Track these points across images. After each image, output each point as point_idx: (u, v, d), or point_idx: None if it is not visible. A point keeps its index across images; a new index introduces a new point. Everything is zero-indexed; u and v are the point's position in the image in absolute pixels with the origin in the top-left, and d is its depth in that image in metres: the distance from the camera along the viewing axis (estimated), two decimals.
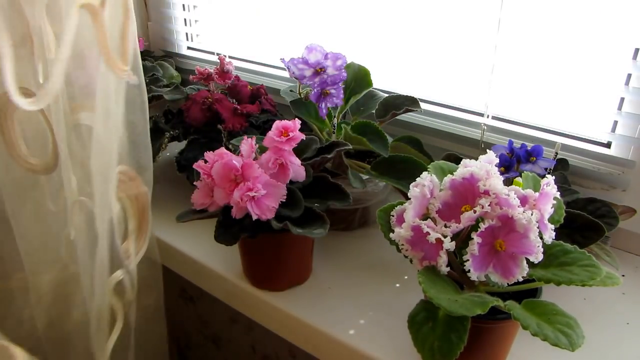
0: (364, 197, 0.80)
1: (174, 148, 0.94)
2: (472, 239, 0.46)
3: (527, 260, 0.46)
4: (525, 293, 0.52)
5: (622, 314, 0.67)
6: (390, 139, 0.77)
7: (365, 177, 0.75)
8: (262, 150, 0.66)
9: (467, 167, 0.49)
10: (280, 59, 0.77)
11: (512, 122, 0.84)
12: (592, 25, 0.73)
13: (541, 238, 0.46)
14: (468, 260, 0.46)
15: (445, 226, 0.47)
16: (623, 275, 0.73)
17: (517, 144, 0.68)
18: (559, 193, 0.50)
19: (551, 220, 0.51)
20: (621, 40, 0.71)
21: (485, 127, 0.80)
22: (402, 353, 0.61)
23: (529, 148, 0.67)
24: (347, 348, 0.63)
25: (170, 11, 1.25)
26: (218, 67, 0.94)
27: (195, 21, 1.25)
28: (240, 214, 0.60)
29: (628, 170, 0.74)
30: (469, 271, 0.46)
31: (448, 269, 0.48)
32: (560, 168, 0.75)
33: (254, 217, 0.59)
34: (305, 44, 0.74)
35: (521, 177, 0.65)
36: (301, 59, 0.74)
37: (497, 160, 0.52)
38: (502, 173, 0.66)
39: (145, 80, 1.06)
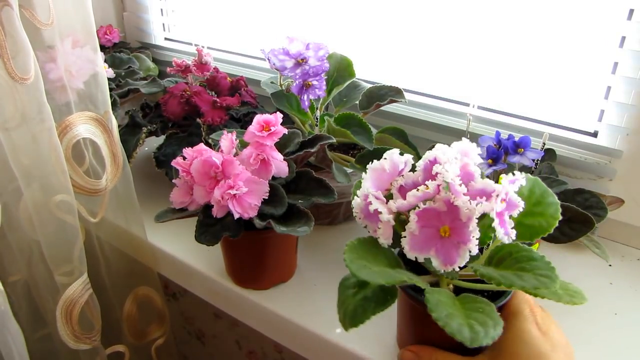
0: (348, 191, 0.78)
1: (152, 143, 0.91)
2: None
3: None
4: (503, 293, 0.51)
5: (610, 304, 0.67)
6: (374, 131, 0.75)
7: (349, 170, 0.73)
8: (243, 145, 0.63)
9: (435, 150, 0.48)
10: (261, 49, 0.74)
11: (498, 112, 0.83)
12: (579, 14, 0.72)
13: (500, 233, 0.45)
14: (405, 237, 0.45)
15: None
16: (610, 265, 0.73)
17: (504, 134, 0.67)
18: (520, 185, 0.48)
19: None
20: (608, 28, 0.70)
21: (471, 117, 0.79)
22: (388, 351, 0.60)
23: (516, 139, 0.66)
24: (333, 346, 0.62)
25: (146, 1, 1.21)
26: (196, 58, 0.91)
27: (172, 11, 1.21)
28: (221, 213, 0.58)
29: (615, 159, 0.74)
30: (404, 248, 0.45)
31: (389, 242, 0.47)
32: (548, 158, 0.74)
33: (236, 216, 0.57)
34: (287, 33, 0.72)
35: (509, 169, 0.64)
36: (282, 50, 0.72)
37: (475, 149, 0.50)
38: (490, 165, 0.65)
39: (121, 73, 1.03)
